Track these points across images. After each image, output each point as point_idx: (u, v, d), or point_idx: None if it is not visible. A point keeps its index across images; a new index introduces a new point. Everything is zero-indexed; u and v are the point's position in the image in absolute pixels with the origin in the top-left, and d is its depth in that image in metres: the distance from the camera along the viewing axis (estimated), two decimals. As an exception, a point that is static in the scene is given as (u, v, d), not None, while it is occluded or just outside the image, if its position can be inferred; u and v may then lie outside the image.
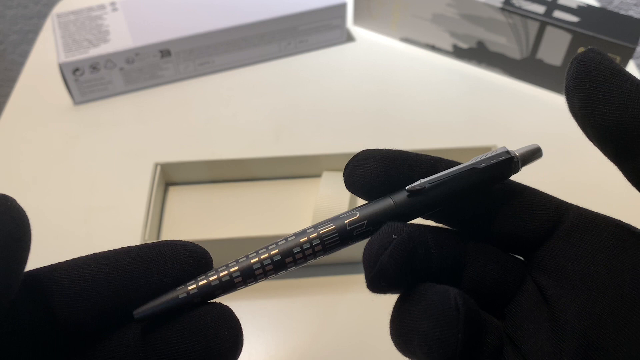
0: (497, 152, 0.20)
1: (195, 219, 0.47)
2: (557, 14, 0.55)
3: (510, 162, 0.19)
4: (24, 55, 1.04)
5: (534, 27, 0.56)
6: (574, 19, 0.55)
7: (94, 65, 0.56)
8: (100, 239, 0.46)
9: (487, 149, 0.48)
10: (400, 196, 0.19)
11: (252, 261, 0.18)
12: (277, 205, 0.48)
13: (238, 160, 0.48)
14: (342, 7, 0.63)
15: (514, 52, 0.58)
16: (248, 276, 0.18)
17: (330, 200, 0.45)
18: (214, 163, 0.48)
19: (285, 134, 0.55)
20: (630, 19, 0.55)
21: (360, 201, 0.20)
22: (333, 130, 0.55)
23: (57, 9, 0.70)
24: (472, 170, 0.19)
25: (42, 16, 0.99)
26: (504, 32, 0.58)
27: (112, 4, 0.62)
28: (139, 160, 0.52)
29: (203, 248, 0.19)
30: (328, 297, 0.43)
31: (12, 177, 0.51)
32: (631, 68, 0.61)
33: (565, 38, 0.54)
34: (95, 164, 0.52)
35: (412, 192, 0.19)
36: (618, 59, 0.53)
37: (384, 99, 0.59)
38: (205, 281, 0.17)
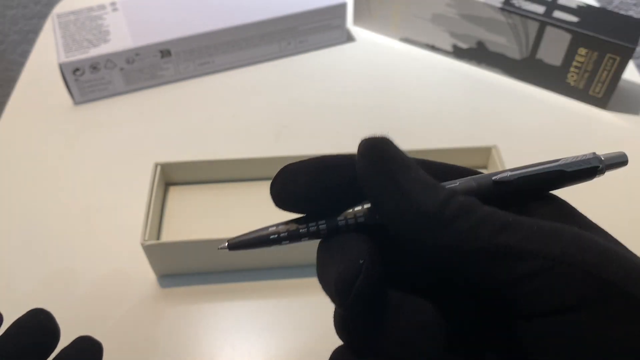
0: (587, 158, 0.20)
1: (195, 219, 0.47)
2: (557, 14, 0.55)
3: (596, 169, 0.20)
4: (24, 56, 1.04)
5: (533, 27, 0.56)
6: (573, 19, 0.55)
7: (94, 65, 0.56)
8: (100, 239, 0.46)
9: (487, 149, 0.48)
10: (486, 183, 0.19)
11: (339, 218, 0.19)
12: (277, 205, 0.48)
13: (238, 160, 0.48)
14: (342, 7, 0.63)
15: (514, 52, 0.59)
16: (332, 229, 0.19)
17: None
18: (214, 163, 0.48)
19: (285, 134, 0.55)
20: (630, 19, 0.55)
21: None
22: (333, 130, 0.55)
23: (57, 9, 0.70)
24: (559, 173, 0.19)
25: (43, 16, 0.99)
26: (504, 32, 0.58)
27: (112, 4, 0.62)
28: (139, 160, 0.52)
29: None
30: (328, 297, 0.42)
31: (12, 177, 0.51)
32: (631, 68, 0.61)
33: (565, 38, 0.54)
34: (95, 164, 0.52)
35: (498, 183, 0.19)
36: (617, 59, 0.53)
37: (384, 99, 0.59)
38: (295, 226, 0.19)
